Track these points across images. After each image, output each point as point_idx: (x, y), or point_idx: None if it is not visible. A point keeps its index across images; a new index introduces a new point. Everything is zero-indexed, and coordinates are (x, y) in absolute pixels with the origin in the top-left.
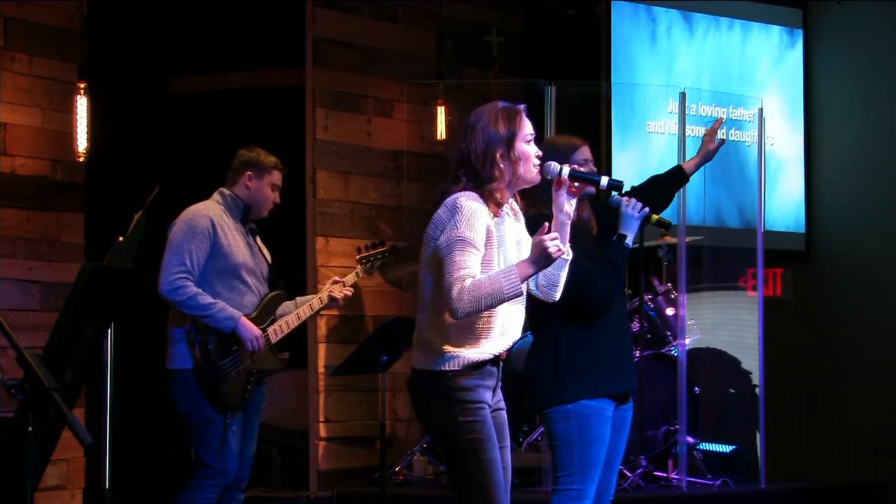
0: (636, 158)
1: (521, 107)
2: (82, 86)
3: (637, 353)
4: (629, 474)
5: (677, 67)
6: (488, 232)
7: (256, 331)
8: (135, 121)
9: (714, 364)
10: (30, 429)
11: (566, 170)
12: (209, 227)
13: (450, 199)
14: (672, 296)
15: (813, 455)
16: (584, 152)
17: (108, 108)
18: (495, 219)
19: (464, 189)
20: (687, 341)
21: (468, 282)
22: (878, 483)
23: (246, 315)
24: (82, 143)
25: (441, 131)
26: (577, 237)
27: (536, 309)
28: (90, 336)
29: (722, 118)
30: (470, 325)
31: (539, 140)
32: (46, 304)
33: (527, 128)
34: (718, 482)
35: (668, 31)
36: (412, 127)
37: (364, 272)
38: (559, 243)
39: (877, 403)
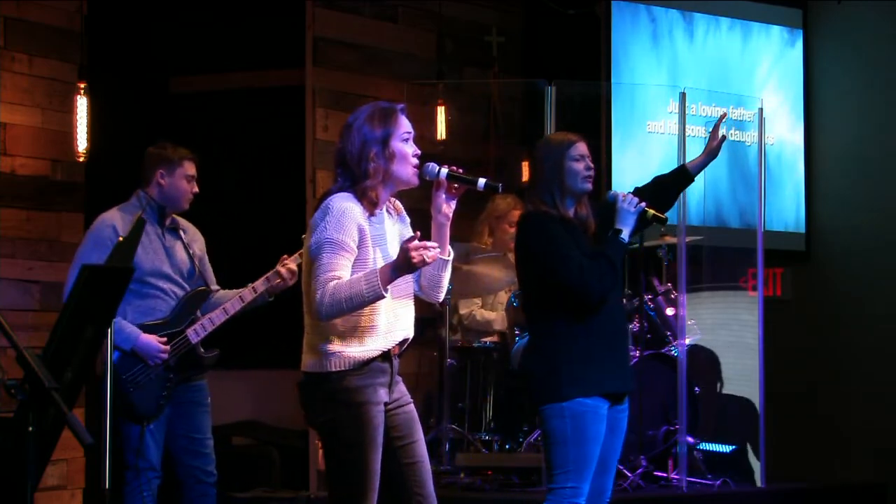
0: (636, 158)
1: (400, 106)
2: (82, 86)
3: (637, 353)
4: (629, 474)
5: (677, 67)
6: (361, 231)
7: (157, 346)
8: (135, 121)
9: (707, 363)
10: (30, 429)
11: (444, 171)
12: (111, 236)
13: (323, 203)
14: (672, 296)
15: (813, 455)
16: (580, 148)
17: (108, 108)
18: (371, 217)
19: (339, 189)
20: (687, 341)
21: (331, 285)
22: (878, 483)
23: (156, 321)
24: (82, 143)
25: (441, 131)
26: (576, 235)
27: (533, 306)
28: (90, 336)
29: (725, 113)
30: (352, 325)
31: (538, 138)
32: (46, 304)
33: (403, 126)
34: (718, 482)
35: (668, 31)
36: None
37: (296, 267)
38: (424, 253)
39: (877, 403)
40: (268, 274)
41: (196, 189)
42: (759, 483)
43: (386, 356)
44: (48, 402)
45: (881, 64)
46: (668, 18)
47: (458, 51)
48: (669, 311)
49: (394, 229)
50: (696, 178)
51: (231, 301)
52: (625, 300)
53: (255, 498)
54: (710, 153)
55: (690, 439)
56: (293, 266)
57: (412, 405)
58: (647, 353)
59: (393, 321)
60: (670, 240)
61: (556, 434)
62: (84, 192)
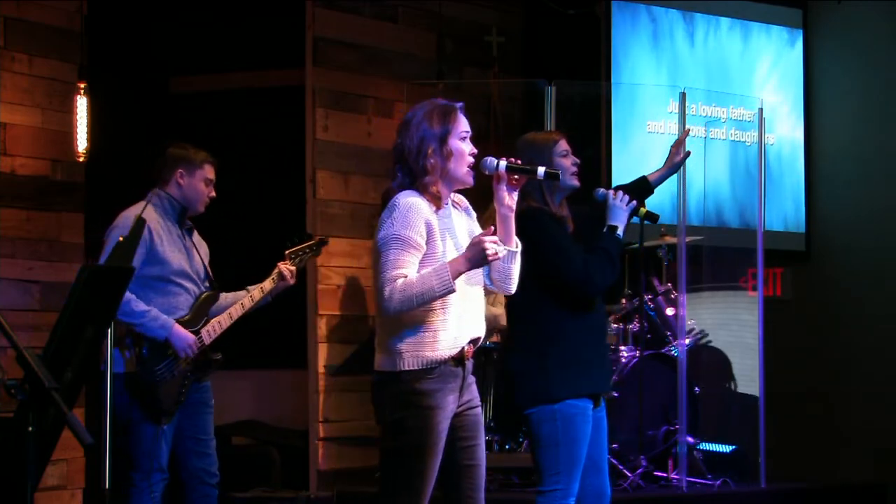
0: (636, 158)
1: (459, 105)
2: (82, 86)
3: (637, 353)
4: (629, 474)
5: (677, 67)
6: (429, 225)
7: (190, 338)
8: (135, 121)
9: (711, 363)
10: (30, 429)
11: (503, 164)
12: (146, 234)
13: (390, 201)
14: (672, 296)
15: (813, 455)
16: (563, 144)
17: (108, 108)
18: (438, 211)
19: (400, 185)
20: (687, 341)
21: (400, 281)
22: (878, 483)
23: (179, 318)
24: (82, 143)
25: None
26: (567, 231)
27: (522, 303)
28: (90, 336)
29: (689, 129)
30: (423, 322)
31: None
32: (46, 304)
33: (461, 125)
34: (718, 482)
35: (668, 31)
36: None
37: (294, 265)
38: (498, 247)
39: (877, 403)
40: (272, 275)
41: (213, 193)
42: (759, 483)
43: (459, 360)
44: (48, 402)
45: (881, 64)
46: (668, 18)
47: (458, 51)
48: (669, 311)
49: (462, 222)
50: (693, 178)
51: (235, 307)
52: (625, 300)
53: (255, 498)
54: (672, 167)
55: (690, 439)
56: (293, 267)
57: (480, 408)
58: (647, 353)
59: (464, 317)
60: (670, 240)
61: (546, 437)
62: (84, 192)
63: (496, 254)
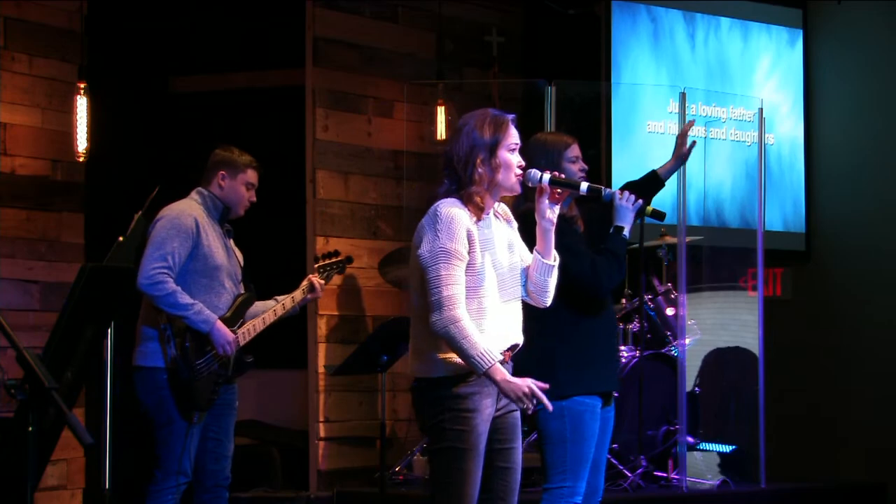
0: (636, 158)
1: (511, 116)
2: (82, 86)
3: (637, 353)
4: (629, 474)
5: (677, 67)
6: (470, 236)
7: (230, 335)
8: (135, 121)
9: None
10: (30, 429)
11: (546, 177)
12: (193, 227)
13: (432, 209)
14: (672, 296)
15: (813, 455)
16: (574, 150)
17: (108, 108)
18: (479, 222)
19: (446, 192)
20: (687, 341)
21: (464, 323)
22: (878, 483)
23: (220, 316)
24: (82, 143)
25: (441, 131)
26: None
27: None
28: (90, 336)
29: (693, 120)
30: None
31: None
32: (46, 304)
33: (512, 137)
34: (718, 482)
35: (668, 31)
36: (412, 127)
37: (322, 279)
38: (529, 405)
39: (876, 403)
40: (303, 285)
41: (254, 198)
42: (759, 483)
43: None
44: (48, 402)
45: (881, 64)
46: (669, 18)
47: (458, 51)
48: (669, 311)
49: (502, 233)
50: (693, 178)
51: (268, 313)
52: (625, 300)
53: (255, 498)
54: (680, 158)
55: (690, 439)
56: (322, 280)
57: (519, 412)
58: (647, 353)
59: (502, 326)
60: (670, 240)
61: (554, 434)
62: (84, 192)
63: (527, 408)
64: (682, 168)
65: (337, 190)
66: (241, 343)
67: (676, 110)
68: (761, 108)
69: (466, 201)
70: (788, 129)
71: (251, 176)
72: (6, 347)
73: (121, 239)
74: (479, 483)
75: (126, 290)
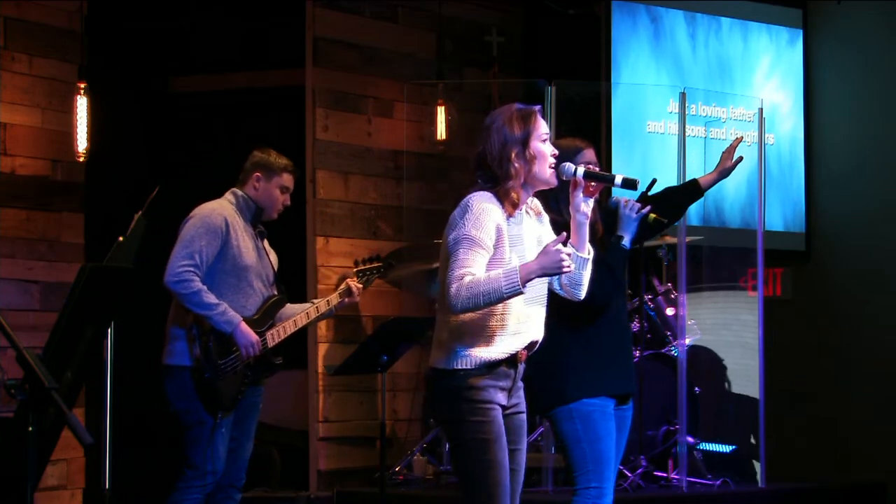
0: (636, 158)
1: (537, 108)
2: (82, 86)
3: (637, 353)
4: (629, 474)
5: (677, 67)
6: (499, 231)
7: (253, 337)
8: (135, 121)
9: (713, 363)
10: (30, 429)
11: (581, 170)
12: (223, 226)
13: (463, 200)
14: (672, 296)
15: (813, 455)
16: (588, 155)
17: (108, 108)
18: (510, 218)
19: (480, 189)
20: (687, 341)
21: (468, 279)
22: (878, 483)
23: (247, 317)
24: (82, 143)
25: (441, 131)
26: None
27: None
28: (90, 336)
29: (741, 137)
30: (482, 324)
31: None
32: (46, 304)
33: (542, 128)
34: (718, 482)
35: (668, 31)
36: (412, 127)
37: (361, 283)
38: (570, 261)
39: (877, 403)
40: (340, 289)
41: (288, 202)
42: (759, 483)
43: (512, 362)
44: (48, 402)
45: (881, 64)
46: (669, 18)
47: (458, 51)
48: (669, 311)
49: (532, 229)
50: (705, 192)
51: (300, 315)
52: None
53: (255, 498)
54: (723, 172)
55: (690, 439)
56: (360, 285)
57: (525, 414)
58: (647, 353)
59: (524, 322)
60: (670, 240)
61: (569, 436)
62: (84, 192)
63: (569, 267)
64: (681, 168)
65: (337, 190)
66: (270, 344)
67: (676, 110)
68: (761, 108)
69: (503, 197)
70: (788, 129)
71: (287, 180)
72: (6, 347)
73: (121, 239)
74: (508, 472)
75: (126, 291)
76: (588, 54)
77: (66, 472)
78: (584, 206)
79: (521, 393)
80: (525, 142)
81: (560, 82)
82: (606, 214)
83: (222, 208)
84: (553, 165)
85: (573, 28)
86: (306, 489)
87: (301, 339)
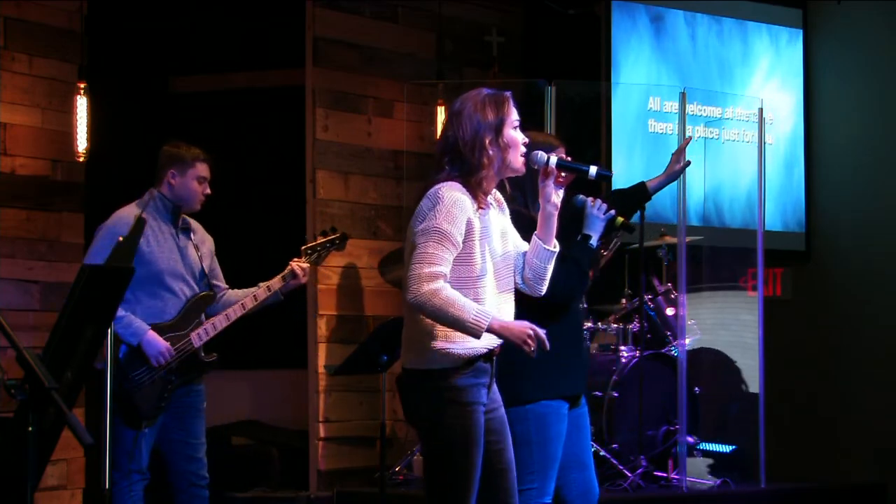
0: (636, 158)
1: (508, 94)
2: (82, 86)
3: (637, 353)
4: (629, 474)
5: (677, 67)
6: (469, 225)
7: (162, 345)
8: (135, 121)
9: (713, 364)
10: (30, 429)
11: (553, 159)
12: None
13: (432, 190)
14: (672, 296)
15: (813, 455)
16: (560, 153)
17: (108, 108)
18: (479, 210)
19: (447, 179)
20: (687, 341)
21: (446, 291)
22: (878, 483)
23: (163, 323)
24: (82, 143)
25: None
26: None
27: None
28: (90, 336)
29: (691, 137)
30: None
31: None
32: (46, 304)
33: (514, 114)
34: (718, 482)
35: (668, 31)
36: (412, 127)
37: (310, 262)
38: (532, 344)
39: (877, 403)
40: (283, 272)
41: (208, 191)
42: (759, 483)
43: (489, 356)
44: (48, 402)
45: (881, 64)
46: (668, 18)
47: (458, 51)
48: (669, 311)
49: (497, 221)
50: (693, 178)
51: (234, 307)
52: (625, 300)
53: (255, 498)
54: (671, 175)
55: (690, 439)
56: (306, 265)
57: (503, 409)
58: (647, 353)
59: (499, 314)
60: (670, 240)
61: (520, 437)
62: (84, 192)
63: (532, 351)
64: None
65: (337, 190)
66: (197, 344)
67: (676, 110)
68: (761, 108)
69: (475, 187)
70: (788, 129)
71: (202, 169)
72: (6, 347)
73: (121, 239)
74: (479, 474)
75: (126, 291)
76: (588, 54)
77: (66, 472)
78: (555, 197)
79: (496, 388)
80: (499, 129)
81: (560, 82)
82: (571, 210)
83: (129, 215)
84: (524, 154)
85: (573, 28)
86: (306, 489)
87: (301, 339)
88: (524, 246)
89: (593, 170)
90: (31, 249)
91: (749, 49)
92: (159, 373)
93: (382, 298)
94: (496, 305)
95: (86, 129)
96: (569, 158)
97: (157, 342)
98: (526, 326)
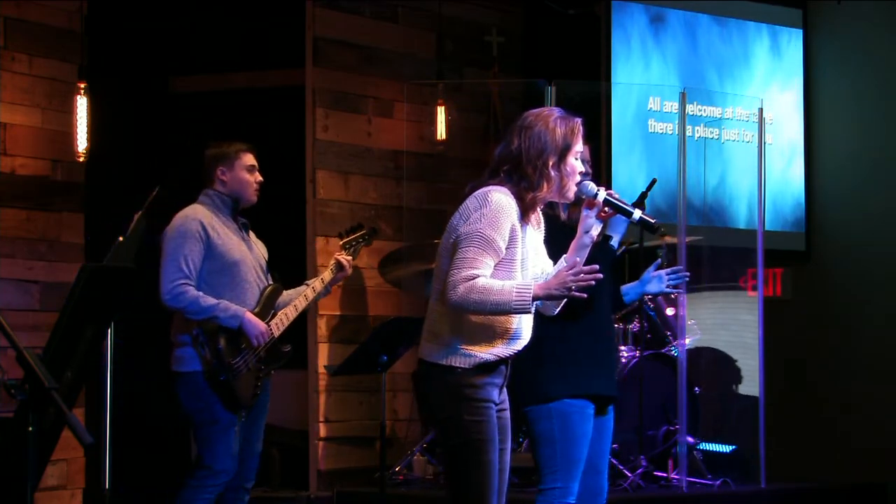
0: (636, 158)
1: (578, 120)
2: (82, 86)
3: (637, 353)
4: (629, 474)
5: (678, 67)
6: (513, 231)
7: (262, 326)
8: (135, 121)
9: (713, 364)
10: (30, 429)
11: (602, 193)
12: (199, 229)
13: (481, 191)
14: (672, 296)
15: (813, 455)
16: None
17: (108, 108)
18: (523, 220)
19: (500, 184)
20: (687, 341)
21: (481, 281)
22: (878, 483)
23: (249, 310)
24: (82, 143)
25: (441, 131)
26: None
27: None
28: (90, 336)
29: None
30: (489, 326)
31: None
32: (46, 304)
33: (580, 144)
34: (718, 482)
35: (668, 31)
36: (412, 127)
37: (350, 255)
38: (580, 285)
39: (877, 403)
40: (330, 265)
41: (260, 178)
42: (759, 483)
43: (505, 360)
44: (48, 402)
45: (881, 64)
46: (669, 18)
47: (458, 51)
48: (669, 311)
49: (533, 238)
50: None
51: (299, 298)
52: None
53: (255, 498)
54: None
55: (690, 439)
56: (349, 257)
57: (509, 412)
58: (647, 353)
59: (525, 327)
60: (670, 240)
61: (543, 435)
62: (84, 192)
63: (587, 284)
64: (681, 168)
65: (337, 190)
66: (276, 333)
67: (676, 110)
68: (761, 108)
69: (527, 203)
70: (788, 129)
71: (248, 159)
72: (6, 347)
73: (121, 239)
74: (498, 473)
75: (126, 290)
76: (588, 54)
77: (66, 472)
78: (595, 230)
79: (505, 391)
80: (564, 153)
81: (560, 82)
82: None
83: (195, 212)
84: (578, 184)
85: (573, 28)
86: (306, 489)
87: (301, 339)
88: (549, 267)
89: (637, 213)
90: (31, 249)
91: (749, 49)
92: (252, 360)
93: (383, 298)
94: (526, 317)
95: (86, 129)
96: (616, 196)
97: (258, 323)
98: (562, 274)
